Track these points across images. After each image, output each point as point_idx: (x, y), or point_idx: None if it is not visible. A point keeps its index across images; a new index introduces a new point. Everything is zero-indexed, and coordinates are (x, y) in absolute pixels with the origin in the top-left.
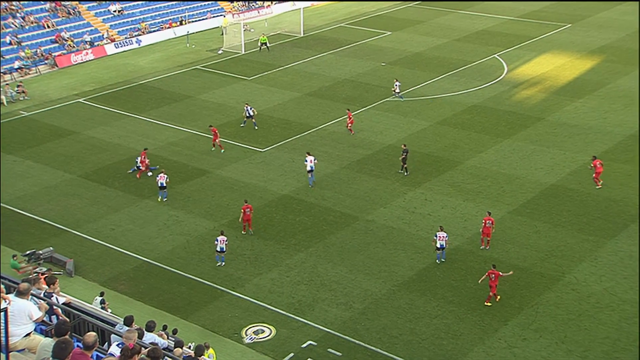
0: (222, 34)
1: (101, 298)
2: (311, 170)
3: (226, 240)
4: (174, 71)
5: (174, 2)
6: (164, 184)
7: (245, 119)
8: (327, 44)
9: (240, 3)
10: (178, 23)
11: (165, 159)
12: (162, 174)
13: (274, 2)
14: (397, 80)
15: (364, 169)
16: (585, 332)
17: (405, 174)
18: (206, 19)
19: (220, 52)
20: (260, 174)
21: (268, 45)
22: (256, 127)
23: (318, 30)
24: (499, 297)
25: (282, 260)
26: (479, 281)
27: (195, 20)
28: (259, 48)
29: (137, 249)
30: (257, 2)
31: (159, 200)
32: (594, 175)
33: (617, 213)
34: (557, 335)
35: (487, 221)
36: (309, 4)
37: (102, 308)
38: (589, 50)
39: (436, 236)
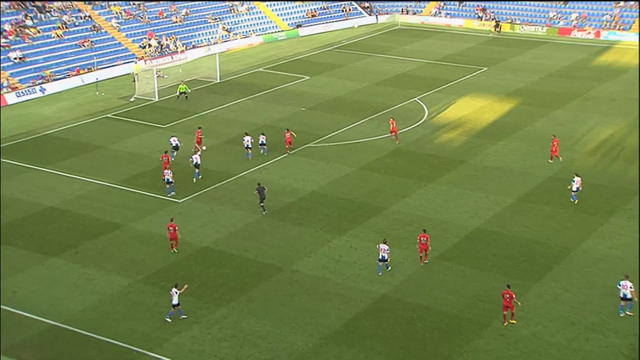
0: (134, 80)
1: None
2: (248, 147)
3: (177, 293)
4: (83, 120)
5: (81, 48)
6: (199, 163)
7: (167, 185)
8: (245, 90)
9: (152, 49)
10: (86, 70)
11: (74, 213)
12: (197, 155)
13: (187, 48)
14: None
15: (287, 217)
16: None
17: (263, 212)
18: (116, 65)
19: (132, 99)
20: (178, 226)
21: (188, 93)
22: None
23: (235, 76)
24: (507, 322)
25: (203, 316)
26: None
27: (105, 67)
28: (177, 96)
29: (43, 312)
30: (170, 48)
31: (194, 180)
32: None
33: (541, 255)
34: None
35: (422, 238)
36: (224, 48)
37: None
38: (505, 93)
39: (379, 247)
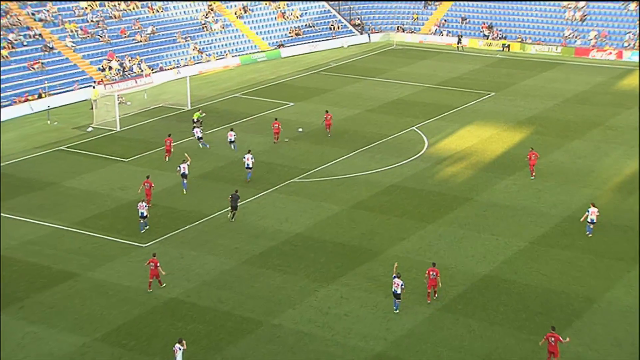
0: (92, 108)
1: None
2: (249, 167)
3: (180, 349)
4: (32, 153)
5: (30, 71)
6: (186, 173)
7: (141, 220)
8: (220, 118)
9: (113, 71)
10: (36, 96)
11: (20, 261)
12: (185, 164)
13: (154, 70)
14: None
15: (268, 263)
16: None
17: (232, 220)
18: (71, 90)
19: (89, 129)
20: (142, 275)
21: (201, 119)
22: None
23: (208, 102)
24: None
25: None
26: (540, 344)
27: (58, 93)
28: (196, 125)
29: None
30: (134, 71)
31: (184, 192)
32: None
33: (559, 307)
34: None
35: (431, 272)
36: (196, 71)
37: None
38: (516, 121)
39: (393, 281)
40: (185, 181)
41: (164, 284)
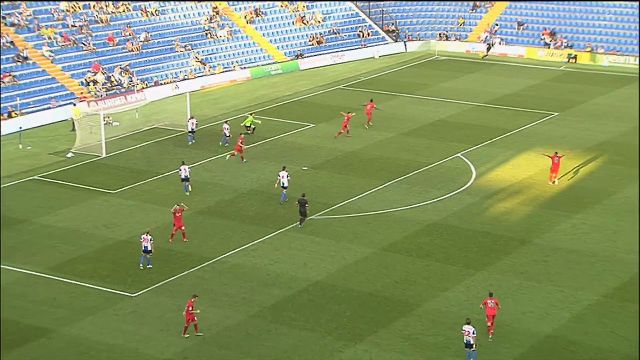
0: (73, 129)
1: None
2: (284, 187)
3: None
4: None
5: (0, 85)
6: (188, 176)
7: (145, 254)
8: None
9: (99, 86)
10: (6, 115)
11: None
12: (185, 167)
13: (149, 85)
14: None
15: (282, 317)
16: None
17: (300, 225)
18: (48, 108)
19: (69, 155)
20: (129, 331)
21: (255, 125)
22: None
23: (211, 123)
24: None
25: None
26: None
27: (32, 111)
28: (250, 131)
29: None
30: (123, 86)
31: (187, 193)
32: None
33: None
34: None
35: (490, 301)
36: (197, 86)
37: None
38: (584, 147)
39: (463, 330)
40: (186, 184)
41: (200, 333)
